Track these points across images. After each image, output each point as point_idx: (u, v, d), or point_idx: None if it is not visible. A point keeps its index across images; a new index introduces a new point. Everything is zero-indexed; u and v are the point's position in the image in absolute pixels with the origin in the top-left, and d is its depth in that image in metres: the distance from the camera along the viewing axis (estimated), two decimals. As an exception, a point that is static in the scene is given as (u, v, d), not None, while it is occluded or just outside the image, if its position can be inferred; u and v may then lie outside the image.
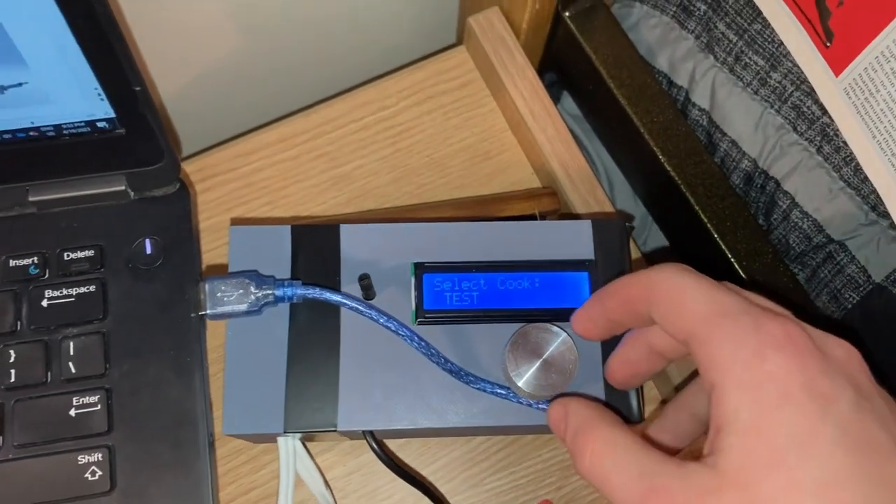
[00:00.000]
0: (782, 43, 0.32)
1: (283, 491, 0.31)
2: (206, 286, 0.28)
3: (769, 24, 0.32)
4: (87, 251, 0.35)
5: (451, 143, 0.41)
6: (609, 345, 0.28)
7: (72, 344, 0.33)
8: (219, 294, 0.28)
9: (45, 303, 0.34)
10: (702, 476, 0.19)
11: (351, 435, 0.30)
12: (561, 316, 0.29)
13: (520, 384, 0.27)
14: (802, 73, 0.32)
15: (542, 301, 0.29)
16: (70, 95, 0.31)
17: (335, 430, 0.28)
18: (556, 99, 0.45)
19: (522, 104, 0.39)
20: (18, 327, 0.33)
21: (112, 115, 0.32)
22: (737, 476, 0.18)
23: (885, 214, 0.31)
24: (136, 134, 0.33)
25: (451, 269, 0.30)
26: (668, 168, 0.37)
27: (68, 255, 0.34)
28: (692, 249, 0.40)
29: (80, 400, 0.32)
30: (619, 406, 0.28)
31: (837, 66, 0.30)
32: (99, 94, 0.31)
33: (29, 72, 0.29)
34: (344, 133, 0.40)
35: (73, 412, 0.32)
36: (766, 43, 0.34)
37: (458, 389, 0.28)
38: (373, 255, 0.30)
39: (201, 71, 0.43)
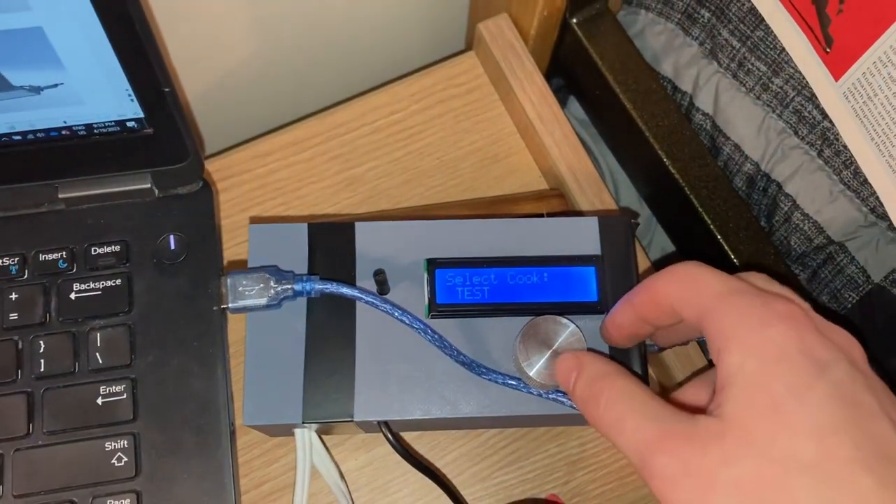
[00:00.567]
0: (784, 49, 0.33)
1: (299, 482, 0.32)
2: (229, 280, 0.28)
3: (771, 31, 0.33)
4: (113, 246, 0.35)
5: (461, 146, 0.41)
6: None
7: (99, 335, 0.34)
8: (240, 288, 0.28)
9: (73, 296, 0.34)
10: (709, 422, 0.21)
11: (366, 426, 0.31)
12: (569, 309, 0.29)
13: (531, 374, 0.27)
14: (803, 78, 0.32)
15: (550, 295, 0.30)
16: (102, 96, 0.31)
17: (352, 421, 0.29)
18: (563, 103, 0.45)
19: (531, 108, 0.39)
20: (48, 319, 0.34)
21: (141, 115, 0.33)
22: (740, 421, 0.20)
23: (885, 216, 0.31)
24: (163, 133, 0.34)
25: (463, 264, 0.30)
26: (673, 171, 0.37)
27: (95, 250, 0.35)
28: (696, 251, 0.40)
29: (107, 389, 0.33)
30: None
31: (837, 70, 0.30)
32: (129, 95, 0.32)
33: (65, 73, 0.30)
34: (357, 136, 0.41)
35: (100, 401, 0.33)
36: (769, 49, 0.34)
37: (471, 381, 0.29)
38: (387, 251, 0.30)
39: (221, 74, 0.43)
